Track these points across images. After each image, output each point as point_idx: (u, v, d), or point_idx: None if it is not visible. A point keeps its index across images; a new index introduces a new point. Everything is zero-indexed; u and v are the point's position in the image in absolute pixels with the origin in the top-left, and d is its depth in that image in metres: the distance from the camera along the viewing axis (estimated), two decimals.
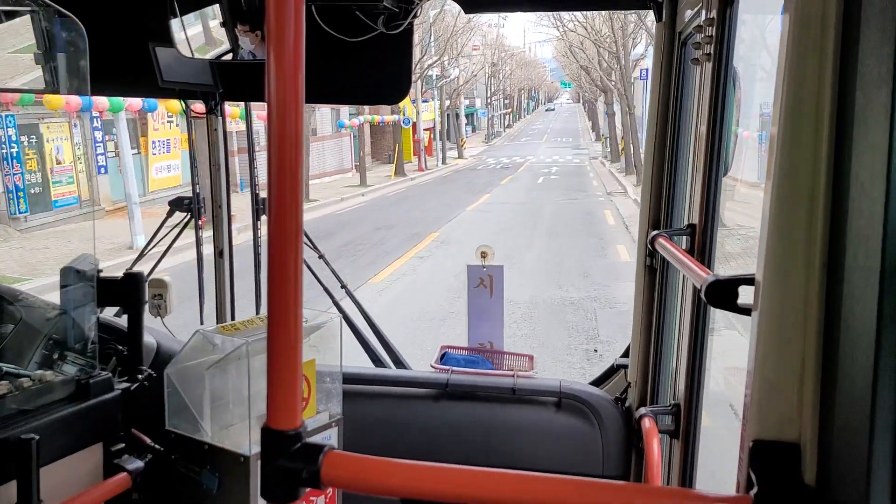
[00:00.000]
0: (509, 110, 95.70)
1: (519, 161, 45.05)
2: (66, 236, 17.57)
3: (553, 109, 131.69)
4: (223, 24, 2.99)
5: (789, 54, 0.96)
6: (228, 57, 3.04)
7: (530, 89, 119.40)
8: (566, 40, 38.52)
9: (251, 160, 3.72)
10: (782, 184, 0.96)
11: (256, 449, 2.17)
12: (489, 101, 71.98)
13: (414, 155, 40.91)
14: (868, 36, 0.85)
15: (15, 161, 17.88)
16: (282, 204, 0.93)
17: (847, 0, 0.90)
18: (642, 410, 2.28)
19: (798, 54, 0.95)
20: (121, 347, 2.42)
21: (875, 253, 0.79)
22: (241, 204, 4.00)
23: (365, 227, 19.69)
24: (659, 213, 2.56)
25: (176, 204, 3.50)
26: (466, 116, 67.45)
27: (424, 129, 40.84)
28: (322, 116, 34.41)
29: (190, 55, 2.93)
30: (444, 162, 43.75)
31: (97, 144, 20.51)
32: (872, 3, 0.85)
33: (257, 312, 3.48)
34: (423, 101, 40.46)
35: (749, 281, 1.13)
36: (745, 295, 1.24)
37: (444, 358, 3.30)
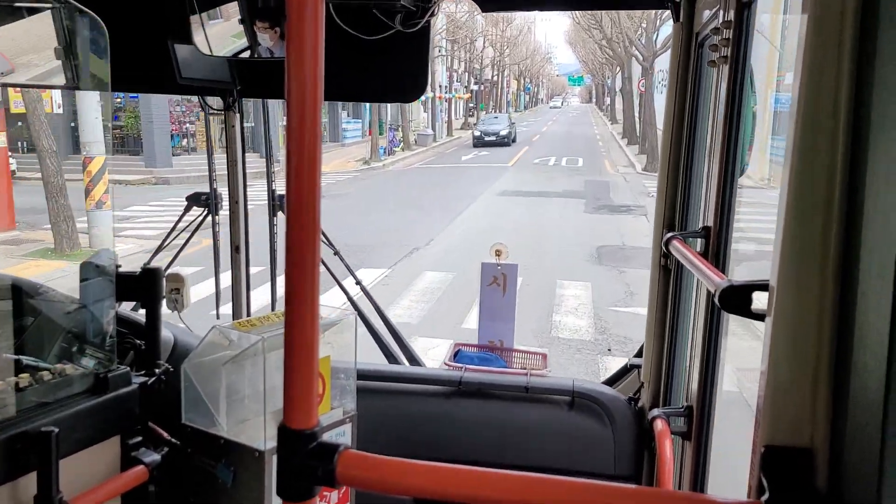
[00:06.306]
0: (468, 96, 63.98)
1: None
2: None
3: (507, 143, 42.37)
4: (241, 22, 3.01)
5: (806, 57, 0.95)
6: (246, 54, 3.07)
7: (521, 74, 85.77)
8: None
9: (268, 156, 3.74)
10: (797, 189, 0.96)
11: (271, 444, 2.18)
12: None
13: None
14: (886, 39, 0.85)
15: None
16: (300, 200, 0.93)
17: (865, 1, 0.90)
18: (655, 412, 2.28)
19: (815, 57, 0.94)
20: (139, 342, 2.44)
21: (889, 261, 0.79)
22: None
23: None
24: (674, 214, 2.56)
25: (193, 199, 3.53)
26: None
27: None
28: None
29: (208, 52, 2.95)
30: None
31: None
32: (891, 5, 0.84)
33: (273, 309, 3.50)
34: None
35: (764, 287, 1.12)
36: (757, 300, 1.24)
37: (457, 355, 3.31)
